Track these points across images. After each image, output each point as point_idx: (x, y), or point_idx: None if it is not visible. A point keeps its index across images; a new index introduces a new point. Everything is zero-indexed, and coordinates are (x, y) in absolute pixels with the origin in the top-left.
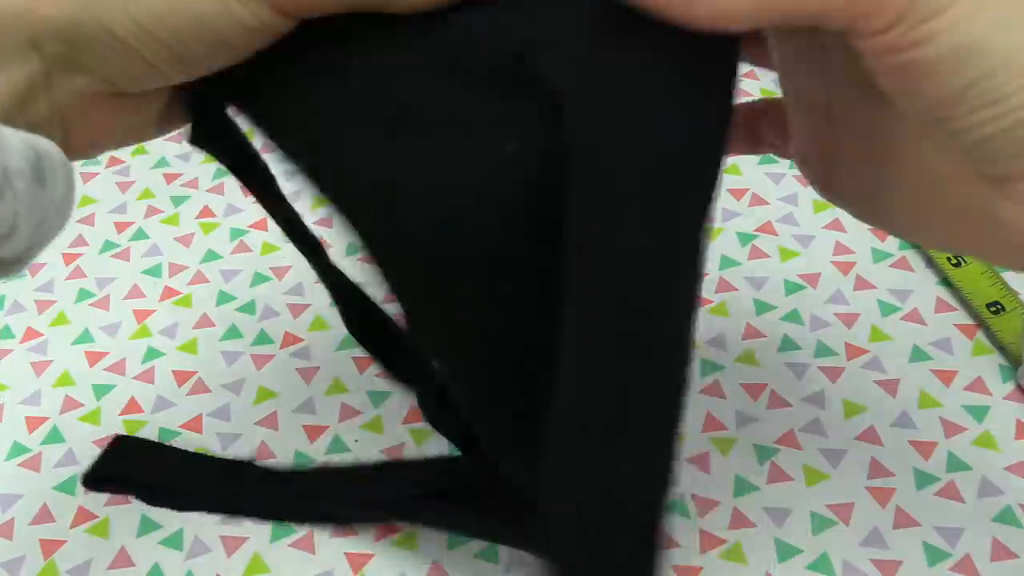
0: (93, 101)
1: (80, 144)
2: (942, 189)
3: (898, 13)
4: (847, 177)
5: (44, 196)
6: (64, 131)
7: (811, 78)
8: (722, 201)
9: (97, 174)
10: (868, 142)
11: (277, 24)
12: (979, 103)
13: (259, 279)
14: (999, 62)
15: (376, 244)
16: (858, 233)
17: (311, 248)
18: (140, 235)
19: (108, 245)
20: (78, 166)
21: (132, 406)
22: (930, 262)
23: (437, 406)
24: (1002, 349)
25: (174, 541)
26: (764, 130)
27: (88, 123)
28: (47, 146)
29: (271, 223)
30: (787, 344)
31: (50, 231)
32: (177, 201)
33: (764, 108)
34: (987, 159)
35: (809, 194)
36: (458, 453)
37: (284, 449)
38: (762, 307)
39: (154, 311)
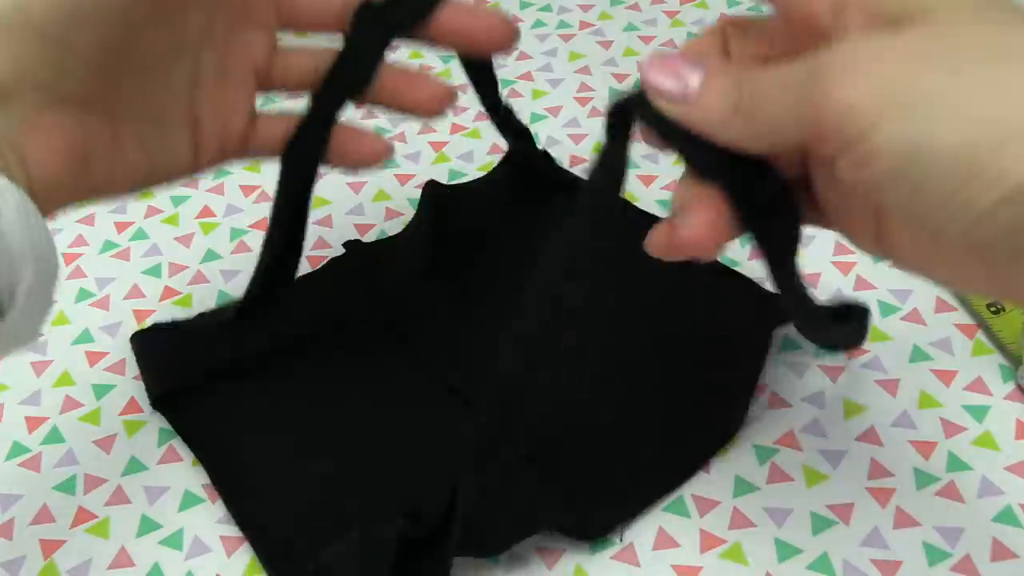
0: (40, 119)
1: (47, 172)
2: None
3: (839, 138)
4: (895, 243)
5: None
6: (21, 160)
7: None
8: None
9: None
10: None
11: None
12: (938, 203)
13: None
14: (942, 159)
15: None
16: None
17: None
18: (140, 235)
19: (108, 245)
20: None
21: (132, 406)
22: None
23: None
24: (1002, 349)
25: (174, 541)
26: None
27: (47, 144)
28: None
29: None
30: (787, 344)
31: (23, 268)
32: (177, 201)
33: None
34: (984, 246)
35: None
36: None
37: None
38: None
39: (154, 311)
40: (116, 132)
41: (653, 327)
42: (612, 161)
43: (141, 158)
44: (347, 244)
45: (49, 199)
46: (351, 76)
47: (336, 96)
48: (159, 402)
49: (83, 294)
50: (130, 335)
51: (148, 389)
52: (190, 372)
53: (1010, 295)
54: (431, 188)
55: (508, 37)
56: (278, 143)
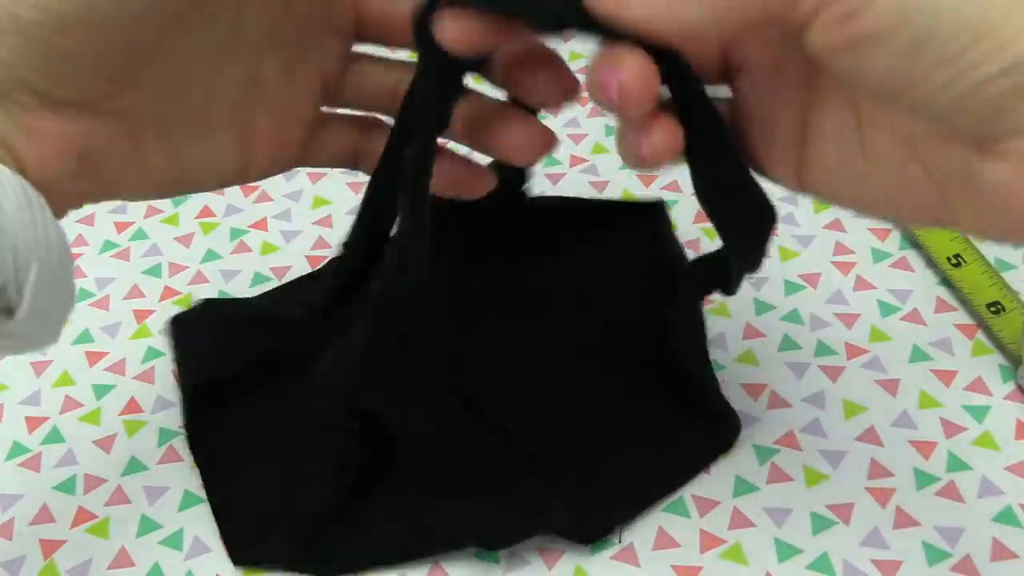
0: (37, 122)
1: (42, 175)
2: (918, 159)
3: None
4: (819, 169)
5: None
6: (16, 162)
7: (782, 79)
8: None
9: None
10: (839, 127)
11: None
12: (932, 65)
13: (259, 279)
14: (944, 17)
15: None
16: (858, 233)
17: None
18: (140, 235)
19: (108, 245)
20: None
21: (132, 406)
22: (930, 262)
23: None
24: (1002, 349)
25: (174, 541)
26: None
27: (43, 148)
28: None
29: (271, 223)
30: (787, 344)
31: (28, 262)
32: (177, 201)
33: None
34: (961, 126)
35: None
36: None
37: None
38: (762, 307)
39: (154, 311)
40: (134, 136)
41: (655, 331)
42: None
43: (168, 163)
44: (345, 244)
45: (51, 199)
46: (424, 116)
47: (407, 139)
48: (195, 392)
49: (83, 294)
50: (170, 318)
51: (184, 378)
52: (229, 364)
53: (945, 219)
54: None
55: (545, 150)
56: (343, 154)
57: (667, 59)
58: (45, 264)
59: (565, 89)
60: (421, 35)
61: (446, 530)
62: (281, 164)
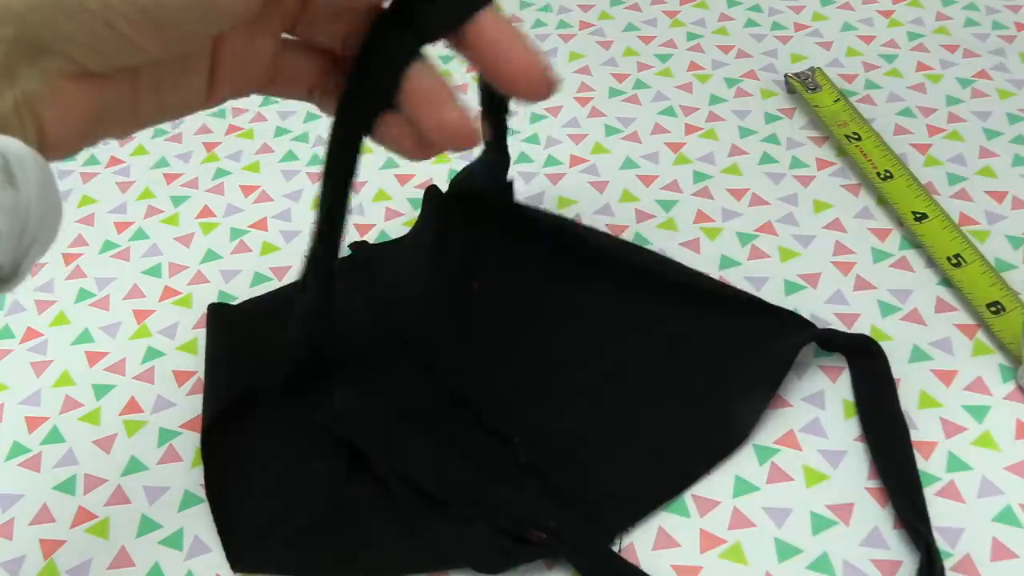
0: (66, 86)
1: (59, 138)
2: None
3: None
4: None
5: (15, 199)
6: (37, 124)
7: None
8: (722, 201)
9: (97, 174)
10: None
11: None
12: None
13: (259, 279)
14: None
15: None
16: (858, 233)
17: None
18: (140, 235)
19: (108, 245)
20: (77, 165)
21: (132, 406)
22: (930, 262)
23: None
24: (1002, 349)
25: (174, 541)
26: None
27: (65, 113)
28: (13, 145)
29: (271, 223)
30: None
31: (36, 240)
32: (177, 201)
33: None
34: None
35: (809, 194)
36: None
37: None
38: None
39: (154, 311)
40: (136, 93)
41: (658, 336)
42: None
43: (153, 106)
44: (353, 245)
45: (51, 156)
46: (370, 92)
47: (354, 116)
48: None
49: (83, 294)
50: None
51: (214, 378)
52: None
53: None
54: (433, 192)
55: (540, 82)
56: (302, 85)
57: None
58: (47, 239)
59: (538, 84)
60: None
61: (444, 547)
62: (242, 93)
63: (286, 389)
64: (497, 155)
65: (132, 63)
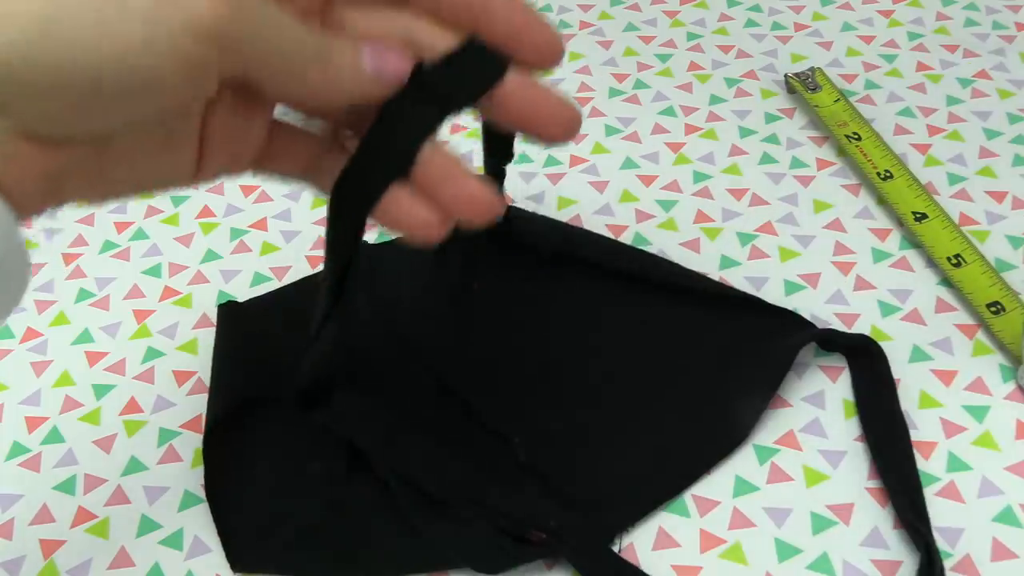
0: (20, 147)
1: (18, 196)
2: None
3: None
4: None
5: None
6: None
7: None
8: (722, 201)
9: None
10: None
11: (207, 78)
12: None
13: (259, 279)
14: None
15: None
16: (858, 233)
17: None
18: (140, 235)
19: (108, 245)
20: None
21: (132, 406)
22: (930, 262)
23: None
24: (1002, 349)
25: (174, 541)
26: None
27: (21, 172)
28: None
29: (271, 223)
30: None
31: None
32: (177, 201)
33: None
34: None
35: (809, 194)
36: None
37: None
38: None
39: (154, 311)
40: (102, 159)
41: (658, 336)
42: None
43: (129, 176)
44: None
45: (15, 213)
46: (383, 163)
47: (362, 191)
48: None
49: (83, 294)
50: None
51: (220, 379)
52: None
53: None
54: None
55: (573, 127)
56: (297, 164)
57: None
58: (11, 298)
59: (568, 126)
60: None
61: (444, 547)
62: (232, 173)
63: (291, 399)
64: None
65: (78, 132)
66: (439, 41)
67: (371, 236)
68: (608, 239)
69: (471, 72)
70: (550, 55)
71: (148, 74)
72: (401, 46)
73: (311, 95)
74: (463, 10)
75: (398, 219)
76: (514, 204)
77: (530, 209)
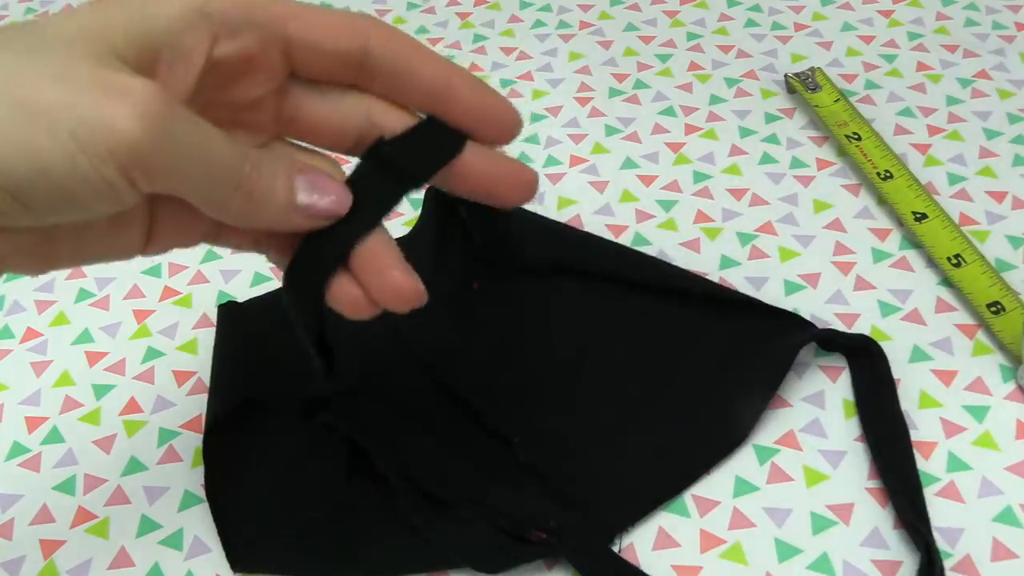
0: None
1: None
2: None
3: None
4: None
5: None
6: None
7: None
8: (722, 201)
9: None
10: None
11: (129, 195)
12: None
13: (259, 279)
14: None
15: None
16: (858, 233)
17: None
18: None
19: None
20: None
21: (132, 406)
22: (930, 262)
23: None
24: (1002, 349)
25: (174, 541)
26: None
27: None
28: None
29: None
30: None
31: None
32: None
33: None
34: None
35: (809, 194)
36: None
37: None
38: None
39: (154, 311)
40: (47, 241)
41: (658, 336)
42: None
43: (73, 253)
44: None
45: None
46: (331, 253)
47: (312, 280)
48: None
49: (83, 294)
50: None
51: (220, 379)
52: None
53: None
54: (434, 193)
55: (531, 190)
56: (248, 238)
57: None
58: None
59: (525, 190)
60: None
61: (444, 547)
62: (185, 245)
63: (293, 406)
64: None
65: (11, 226)
66: (398, 123)
67: None
68: (607, 241)
69: (430, 149)
70: (509, 131)
71: (68, 189)
72: (337, 179)
73: (236, 221)
74: (426, 94)
75: (334, 297)
76: None
77: (530, 209)
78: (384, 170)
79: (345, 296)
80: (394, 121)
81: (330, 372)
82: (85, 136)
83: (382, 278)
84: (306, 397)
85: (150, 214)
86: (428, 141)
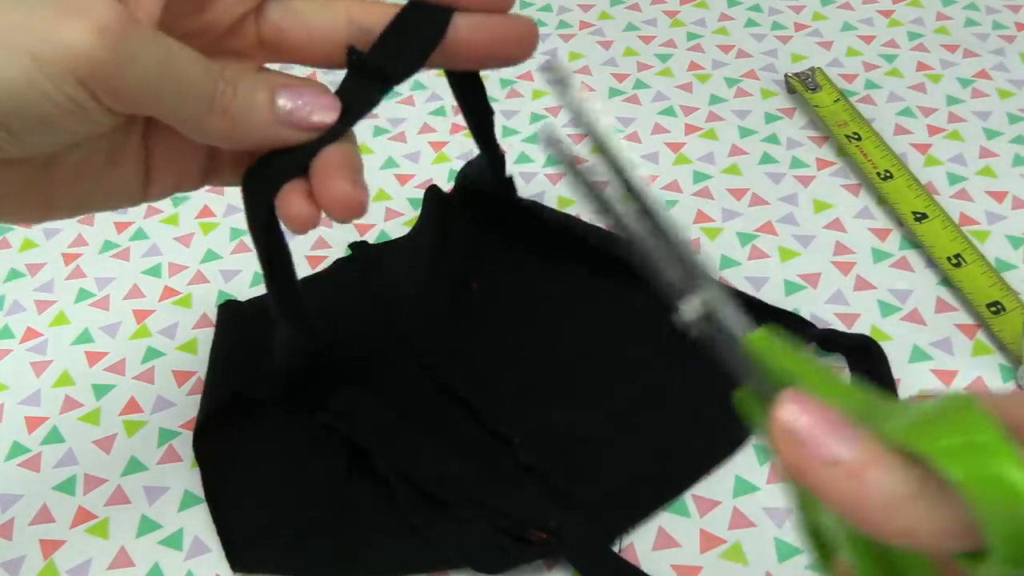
0: None
1: None
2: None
3: None
4: None
5: None
6: None
7: None
8: (722, 201)
9: None
10: None
11: (100, 115)
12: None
13: (259, 279)
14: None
15: None
16: (858, 233)
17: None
18: (140, 235)
19: (108, 245)
20: None
21: (132, 406)
22: (930, 262)
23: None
24: (1002, 349)
25: (174, 541)
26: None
27: None
28: None
29: None
30: None
31: None
32: (177, 201)
33: None
34: None
35: (809, 194)
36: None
37: None
38: None
39: (154, 311)
40: (45, 180)
41: (658, 336)
42: None
43: (73, 196)
44: (352, 245)
45: None
46: (299, 149)
47: (264, 183)
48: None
49: (83, 294)
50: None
51: (214, 377)
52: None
53: None
54: (434, 193)
55: (530, 42)
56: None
57: None
58: None
59: (530, 42)
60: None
61: (444, 547)
62: (184, 189)
63: (282, 395)
64: (488, 153)
65: (3, 157)
66: (382, 17)
67: (372, 236)
68: (609, 232)
69: (408, 40)
70: (529, 46)
71: (37, 109)
72: (323, 89)
73: (218, 141)
74: None
75: (282, 204)
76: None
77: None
78: (360, 75)
79: (289, 207)
80: (378, 16)
81: (282, 310)
82: (44, 56)
83: (329, 185)
84: (285, 378)
85: (144, 150)
86: (407, 31)
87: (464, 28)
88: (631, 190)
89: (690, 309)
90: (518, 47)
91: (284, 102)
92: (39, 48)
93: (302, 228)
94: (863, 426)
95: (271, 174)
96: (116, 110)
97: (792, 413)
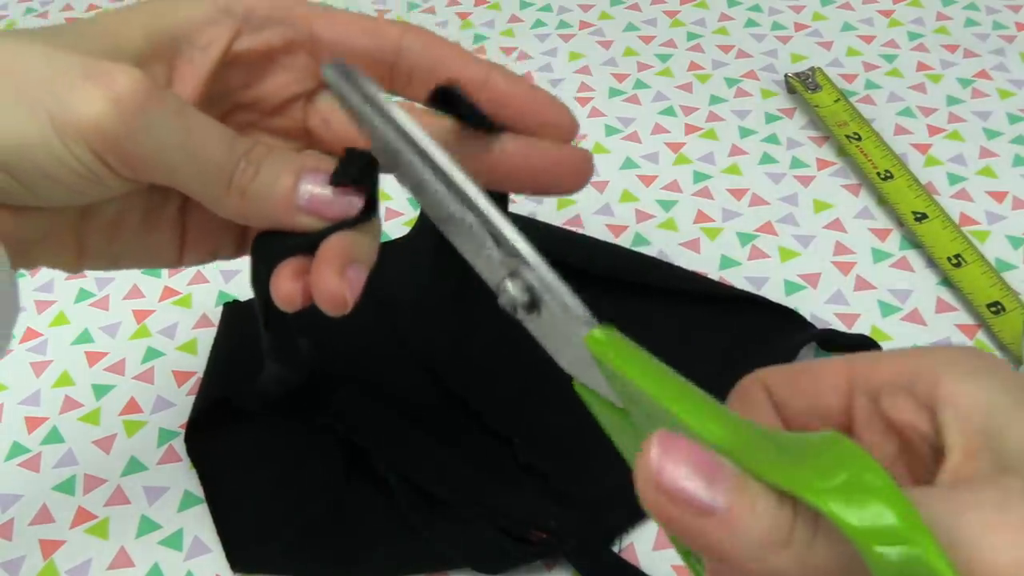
0: None
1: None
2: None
3: None
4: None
5: None
6: None
7: None
8: (722, 201)
9: None
10: None
11: (111, 180)
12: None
13: None
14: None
15: None
16: (858, 233)
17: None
18: None
19: None
20: None
21: (132, 406)
22: (930, 262)
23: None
24: (1002, 349)
25: (174, 541)
26: None
27: None
28: None
29: None
30: None
31: None
32: None
33: None
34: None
35: (809, 194)
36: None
37: None
38: None
39: (154, 311)
40: (80, 231)
41: (658, 335)
42: None
43: (107, 250)
44: None
45: None
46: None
47: (268, 258)
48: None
49: (83, 294)
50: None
51: (210, 377)
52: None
53: None
54: None
55: (583, 173)
56: None
57: None
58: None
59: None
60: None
61: (444, 547)
62: (217, 257)
63: (267, 411)
64: None
65: (17, 203)
66: (430, 129)
67: None
68: (606, 243)
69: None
70: (556, 122)
71: (49, 167)
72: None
73: (232, 216)
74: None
75: (273, 284)
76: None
77: (530, 209)
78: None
79: (279, 288)
80: (426, 127)
81: (273, 346)
82: (60, 118)
83: (318, 272)
84: (271, 387)
85: (181, 218)
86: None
87: (513, 153)
88: (441, 174)
89: (509, 294)
90: (575, 179)
91: (307, 187)
92: (57, 109)
93: (287, 307)
94: (730, 459)
95: (279, 246)
96: (128, 177)
97: (660, 462)
